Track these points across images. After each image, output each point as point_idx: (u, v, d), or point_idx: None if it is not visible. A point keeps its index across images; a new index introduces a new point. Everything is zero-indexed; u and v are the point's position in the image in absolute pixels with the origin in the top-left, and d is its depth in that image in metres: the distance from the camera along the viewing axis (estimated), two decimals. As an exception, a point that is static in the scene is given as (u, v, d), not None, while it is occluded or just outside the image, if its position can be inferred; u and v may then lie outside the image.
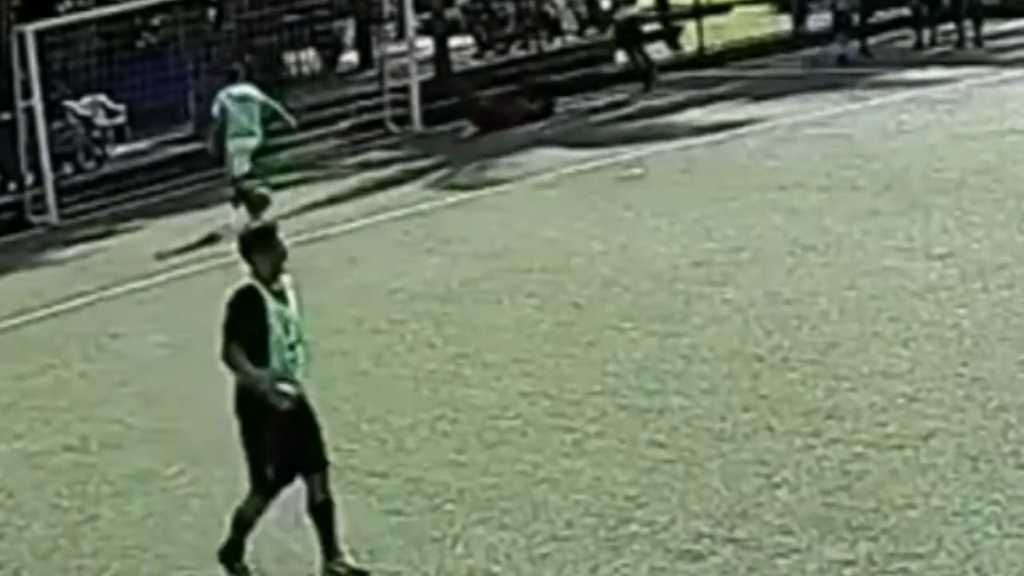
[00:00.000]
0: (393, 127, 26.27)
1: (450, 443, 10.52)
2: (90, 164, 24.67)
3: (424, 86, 26.85)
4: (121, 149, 25.55)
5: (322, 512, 8.55)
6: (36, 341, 15.13)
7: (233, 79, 20.52)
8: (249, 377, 8.31)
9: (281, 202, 21.11)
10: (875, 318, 12.01)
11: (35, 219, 22.45)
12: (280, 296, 8.45)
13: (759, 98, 24.58)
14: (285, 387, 8.25)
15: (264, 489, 8.57)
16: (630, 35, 28.91)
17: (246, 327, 8.32)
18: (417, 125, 26.30)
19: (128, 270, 17.83)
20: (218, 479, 10.39)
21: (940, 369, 10.65)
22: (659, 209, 16.99)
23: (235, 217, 19.09)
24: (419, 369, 12.34)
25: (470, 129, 25.66)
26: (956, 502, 8.44)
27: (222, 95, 19.91)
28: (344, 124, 26.24)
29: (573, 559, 8.40)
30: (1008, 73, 23.81)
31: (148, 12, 28.18)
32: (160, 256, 18.76)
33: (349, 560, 8.56)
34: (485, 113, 25.95)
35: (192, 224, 20.72)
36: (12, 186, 23.27)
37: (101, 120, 25.17)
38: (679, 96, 26.41)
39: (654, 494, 9.10)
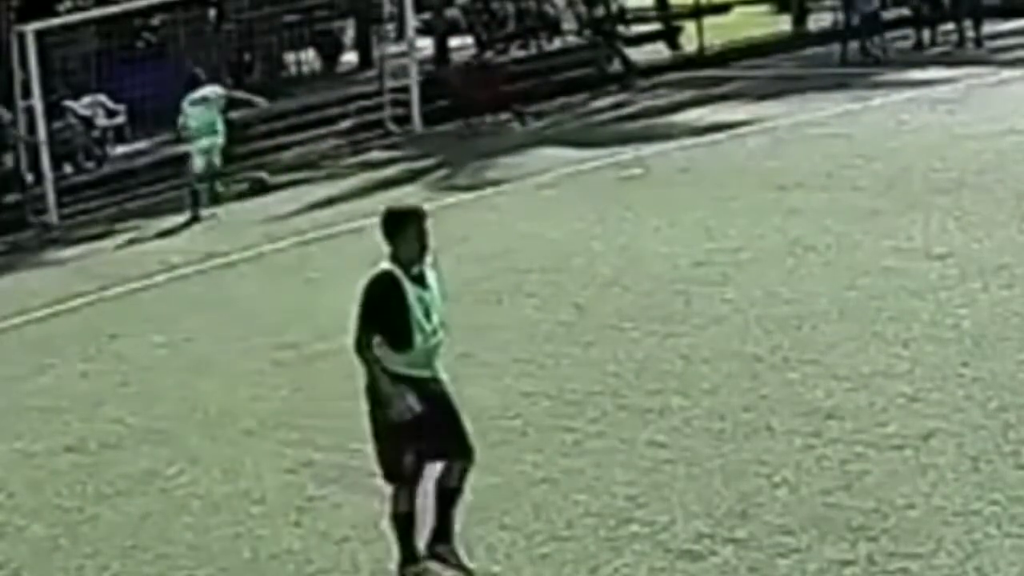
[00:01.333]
0: (393, 127, 26.28)
1: (450, 443, 10.49)
2: (90, 164, 24.67)
3: (424, 86, 26.87)
4: (121, 149, 25.55)
5: (448, 496, 8.29)
6: (36, 341, 15.12)
7: (194, 83, 21.21)
8: (376, 379, 8.05)
9: (282, 202, 21.21)
10: (875, 318, 12.00)
11: (35, 219, 22.46)
12: (419, 280, 8.14)
13: (759, 98, 24.61)
14: (412, 401, 8.01)
15: (404, 479, 8.21)
16: (608, 36, 29.25)
17: (385, 314, 8.03)
18: (417, 125, 26.31)
19: (128, 270, 17.83)
20: (218, 479, 10.40)
21: (940, 369, 10.64)
22: (659, 209, 16.99)
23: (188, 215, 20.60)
24: (419, 369, 12.31)
25: (464, 128, 25.72)
26: (956, 502, 8.43)
27: (183, 104, 20.84)
28: (344, 124, 26.25)
29: (573, 559, 8.39)
30: (1008, 73, 23.85)
31: (148, 12, 28.19)
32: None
33: (460, 552, 8.35)
34: (461, 97, 26.05)
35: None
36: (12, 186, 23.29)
37: (101, 120, 25.18)
38: (679, 96, 26.44)
39: (654, 494, 9.10)
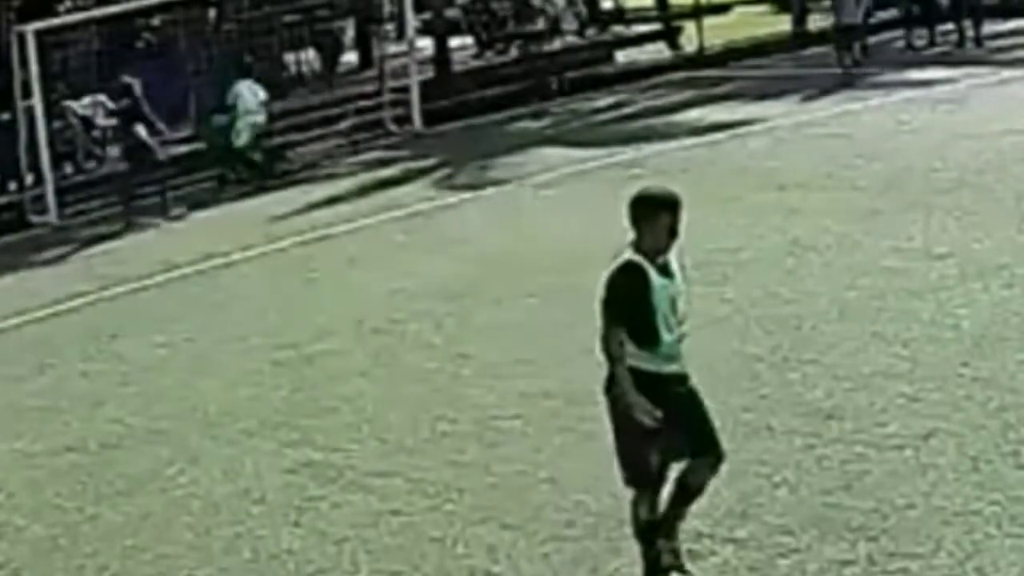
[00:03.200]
0: (393, 127, 26.28)
1: (450, 443, 10.50)
2: (90, 164, 24.65)
3: (424, 86, 26.87)
4: (121, 149, 25.52)
5: (689, 492, 7.76)
6: (36, 341, 15.12)
7: (245, 71, 23.56)
8: (620, 382, 7.67)
9: (282, 202, 21.21)
10: (875, 318, 11.99)
11: (35, 219, 22.45)
12: (665, 270, 7.84)
13: (759, 98, 24.61)
14: (652, 409, 7.57)
15: (647, 483, 7.75)
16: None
17: (630, 308, 7.71)
18: (417, 125, 26.31)
19: (128, 270, 17.83)
20: (218, 479, 10.40)
21: (940, 369, 10.64)
22: (659, 209, 16.95)
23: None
24: (419, 369, 12.33)
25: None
26: (956, 502, 8.43)
27: (238, 83, 23.10)
28: (344, 124, 26.24)
29: (573, 559, 8.39)
30: (1008, 73, 23.85)
31: (148, 12, 28.16)
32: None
33: (681, 550, 7.95)
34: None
35: (192, 224, 20.76)
36: (12, 186, 23.28)
37: (101, 120, 25.16)
38: (679, 96, 26.44)
39: (654, 494, 9.08)
